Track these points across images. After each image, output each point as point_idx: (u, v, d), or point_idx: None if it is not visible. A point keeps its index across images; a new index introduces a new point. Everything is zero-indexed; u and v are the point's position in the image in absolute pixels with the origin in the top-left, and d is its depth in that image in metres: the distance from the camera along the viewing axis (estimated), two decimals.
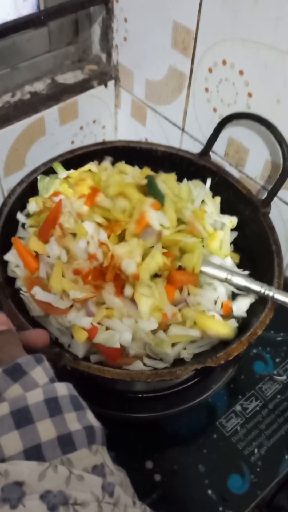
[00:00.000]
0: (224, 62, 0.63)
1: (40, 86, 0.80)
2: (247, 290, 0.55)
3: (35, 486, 0.25)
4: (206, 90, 0.68)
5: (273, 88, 0.58)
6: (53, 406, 0.30)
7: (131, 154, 0.69)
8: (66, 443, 0.28)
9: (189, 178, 0.69)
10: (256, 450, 0.56)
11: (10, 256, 0.57)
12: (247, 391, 0.61)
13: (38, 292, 0.52)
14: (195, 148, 0.72)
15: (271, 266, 0.55)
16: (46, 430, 0.28)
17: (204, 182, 0.68)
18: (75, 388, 0.33)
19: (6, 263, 0.57)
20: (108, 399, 0.56)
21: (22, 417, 0.28)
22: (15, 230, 0.61)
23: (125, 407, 0.56)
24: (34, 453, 0.27)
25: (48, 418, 0.29)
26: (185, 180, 0.69)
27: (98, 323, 0.52)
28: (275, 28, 0.54)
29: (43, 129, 0.78)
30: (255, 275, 0.58)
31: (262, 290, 0.53)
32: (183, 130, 0.76)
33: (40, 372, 0.32)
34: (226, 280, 0.56)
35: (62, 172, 0.65)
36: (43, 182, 0.64)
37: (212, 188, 0.68)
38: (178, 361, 0.53)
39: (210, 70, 0.66)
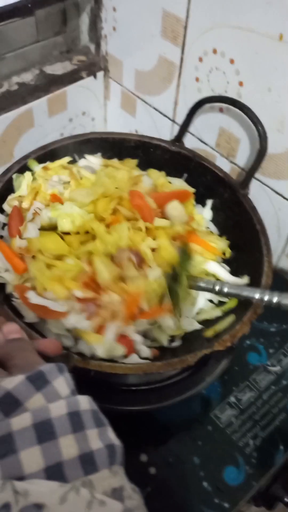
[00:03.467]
0: (214, 51, 0.62)
1: (28, 77, 0.78)
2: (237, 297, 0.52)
3: (56, 510, 0.23)
4: (197, 79, 0.67)
5: (264, 76, 0.58)
6: (75, 421, 0.28)
7: (104, 146, 0.69)
8: (88, 462, 0.26)
9: (165, 166, 0.68)
10: (251, 442, 0.56)
11: None
12: (241, 382, 0.61)
13: (32, 297, 0.50)
14: (186, 139, 0.72)
15: (259, 246, 0.55)
16: (68, 447, 0.26)
17: (180, 169, 0.68)
18: None
19: None
20: (100, 392, 0.54)
21: (44, 431, 0.26)
22: None
23: (118, 400, 0.55)
24: (55, 472, 0.25)
25: (70, 433, 0.27)
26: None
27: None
28: (265, 13, 0.54)
29: (31, 121, 0.77)
30: (243, 258, 0.58)
31: (257, 296, 0.49)
32: (173, 121, 0.76)
33: (62, 383, 0.30)
34: (218, 292, 0.52)
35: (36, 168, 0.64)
36: (18, 181, 0.62)
37: (189, 173, 0.68)
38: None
39: (200, 59, 0.65)
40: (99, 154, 0.68)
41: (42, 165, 0.64)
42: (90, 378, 0.56)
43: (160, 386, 0.56)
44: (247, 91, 0.61)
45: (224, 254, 0.61)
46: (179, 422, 0.57)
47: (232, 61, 0.61)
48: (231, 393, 0.59)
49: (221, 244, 0.61)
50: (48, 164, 0.64)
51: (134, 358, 0.52)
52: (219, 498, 0.52)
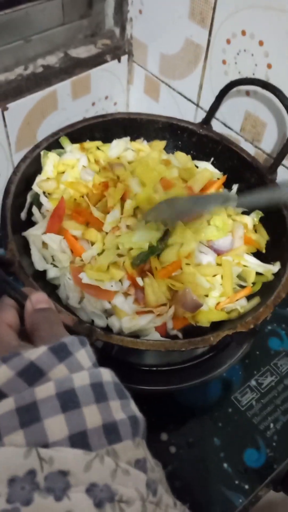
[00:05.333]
0: (243, 33, 0.62)
1: (52, 60, 0.78)
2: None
3: (81, 477, 0.23)
4: (224, 62, 0.67)
5: None
6: (98, 392, 0.28)
7: (132, 127, 0.68)
8: (111, 432, 0.27)
9: (192, 149, 0.68)
10: (271, 425, 0.56)
11: (54, 244, 0.54)
12: (262, 367, 0.60)
13: (85, 277, 0.51)
14: (211, 123, 0.71)
15: (285, 231, 0.55)
16: (92, 416, 0.26)
17: (206, 152, 0.68)
18: None
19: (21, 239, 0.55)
20: (122, 371, 0.54)
21: (68, 400, 0.26)
22: (22, 207, 0.59)
23: (139, 380, 0.55)
24: (79, 440, 0.25)
25: (94, 403, 0.27)
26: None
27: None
28: None
29: (55, 103, 0.77)
30: (269, 243, 0.58)
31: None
32: (197, 105, 0.75)
33: (84, 355, 0.30)
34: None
35: (68, 146, 0.65)
36: (46, 157, 0.62)
37: (216, 157, 0.67)
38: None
39: (228, 41, 0.64)
40: (127, 138, 0.68)
41: (75, 145, 0.64)
42: (112, 356, 0.56)
43: (182, 367, 0.56)
44: (275, 73, 0.60)
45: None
46: (200, 403, 0.57)
47: (261, 43, 0.60)
48: (252, 377, 0.59)
49: (259, 238, 0.60)
50: (85, 143, 0.64)
51: (155, 336, 0.52)
52: (239, 480, 0.52)
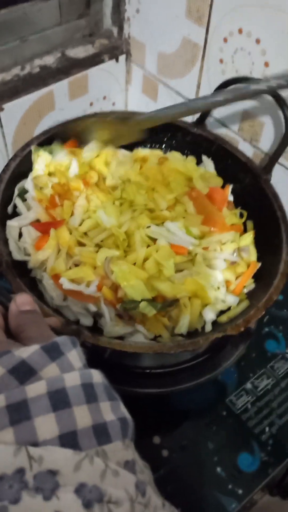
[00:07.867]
0: (240, 31, 0.61)
1: (49, 60, 0.78)
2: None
3: (70, 477, 0.23)
4: (221, 61, 0.66)
5: None
6: (89, 392, 0.28)
7: None
8: (101, 433, 0.26)
9: (186, 148, 0.68)
10: (267, 429, 0.55)
11: (28, 238, 0.54)
12: (258, 369, 0.60)
13: (65, 283, 0.50)
14: (208, 122, 0.71)
15: (278, 233, 0.54)
16: (82, 416, 0.26)
17: (201, 152, 0.67)
18: None
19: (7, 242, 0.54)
20: (115, 374, 0.54)
21: (59, 399, 0.26)
22: (10, 200, 0.58)
23: (133, 382, 0.54)
24: (69, 440, 0.25)
25: (84, 404, 0.27)
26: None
27: None
28: None
29: (52, 104, 0.77)
30: (261, 244, 0.58)
31: None
32: None
33: (75, 356, 0.30)
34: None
35: (59, 153, 0.64)
36: (36, 154, 0.61)
37: (210, 156, 0.67)
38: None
39: (225, 40, 0.64)
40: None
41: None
42: (105, 359, 0.56)
43: (176, 369, 0.55)
44: (273, 72, 0.59)
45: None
46: (194, 406, 0.57)
47: (258, 41, 0.59)
48: (248, 380, 0.59)
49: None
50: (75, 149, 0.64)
51: (139, 338, 0.51)
52: (233, 484, 0.51)
